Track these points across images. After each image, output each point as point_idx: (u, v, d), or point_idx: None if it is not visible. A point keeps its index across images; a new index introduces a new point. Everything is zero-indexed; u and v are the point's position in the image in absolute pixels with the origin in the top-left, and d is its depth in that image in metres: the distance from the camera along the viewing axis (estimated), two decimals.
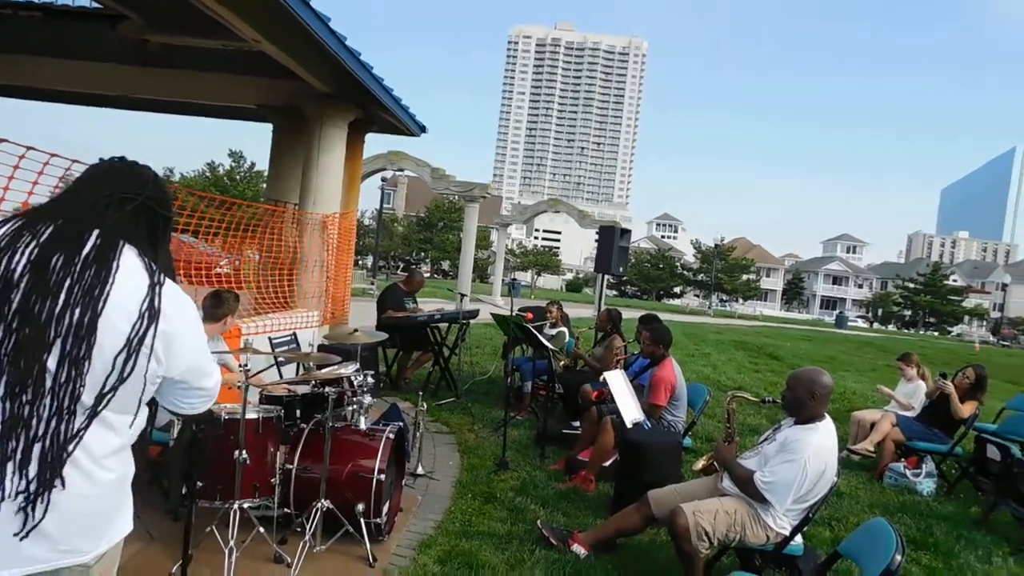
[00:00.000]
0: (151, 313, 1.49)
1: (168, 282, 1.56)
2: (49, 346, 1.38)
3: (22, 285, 1.37)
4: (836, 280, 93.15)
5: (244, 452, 3.23)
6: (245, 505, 3.33)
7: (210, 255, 7.24)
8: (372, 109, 7.92)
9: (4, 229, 1.44)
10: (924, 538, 4.58)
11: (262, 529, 3.40)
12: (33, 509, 1.37)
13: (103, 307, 1.43)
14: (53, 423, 1.38)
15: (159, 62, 7.95)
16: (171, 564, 3.10)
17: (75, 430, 1.42)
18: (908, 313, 72.53)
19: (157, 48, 7.42)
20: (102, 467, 1.47)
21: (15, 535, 1.36)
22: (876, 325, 69.97)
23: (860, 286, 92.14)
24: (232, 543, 3.11)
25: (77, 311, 1.40)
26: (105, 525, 1.52)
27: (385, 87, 7.44)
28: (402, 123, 8.76)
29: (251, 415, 3.38)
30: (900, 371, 6.99)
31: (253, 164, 47.58)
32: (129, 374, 1.46)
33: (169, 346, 1.53)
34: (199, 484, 3.15)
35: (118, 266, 1.47)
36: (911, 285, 70.98)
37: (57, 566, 1.44)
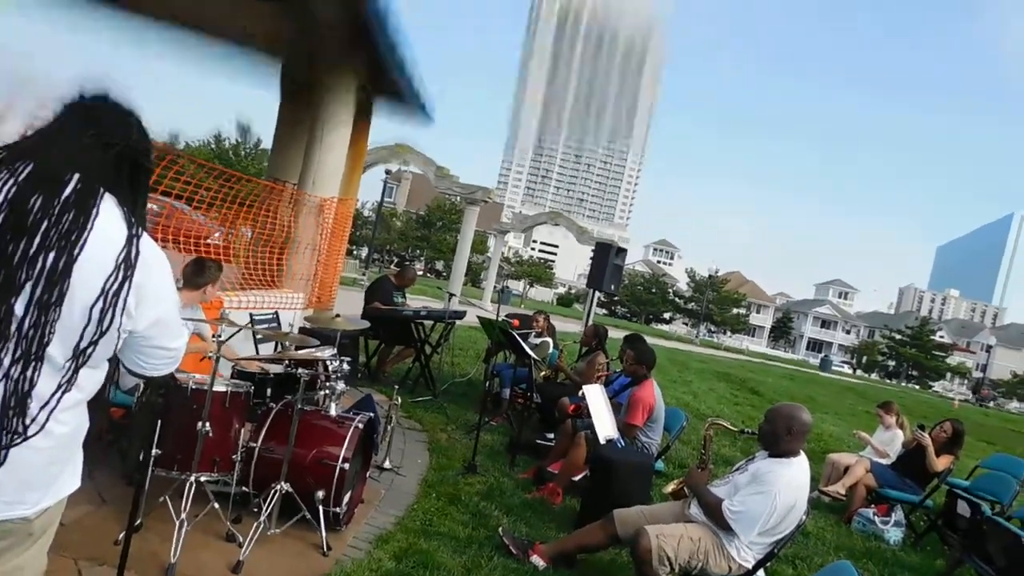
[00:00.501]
0: (127, 264, 1.43)
1: (144, 235, 1.51)
2: (19, 289, 1.32)
3: None
4: (825, 324, 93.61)
5: (208, 424, 3.15)
6: (203, 478, 3.25)
7: (202, 225, 7.16)
8: (379, 72, 7.58)
9: None
10: None
11: (217, 505, 3.31)
12: (2, 458, 1.32)
13: (79, 253, 1.37)
14: (17, 369, 1.32)
15: None
16: (119, 530, 3.01)
17: (54, 383, 1.37)
18: (892, 363, 72.89)
19: None
20: (57, 420, 1.41)
21: None
22: (859, 372, 70.24)
23: (848, 332, 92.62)
24: (184, 516, 3.02)
25: (52, 255, 1.34)
26: (52, 479, 1.47)
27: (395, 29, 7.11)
28: (410, 95, 8.34)
29: (219, 388, 3.31)
30: (880, 418, 6.97)
31: (259, 141, 47.41)
32: (108, 327, 1.41)
33: (141, 299, 1.47)
34: (157, 451, 3.07)
35: (97, 212, 1.42)
36: (898, 336, 71.39)
37: (1, 517, 1.38)
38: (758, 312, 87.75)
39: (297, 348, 4.09)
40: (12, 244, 1.31)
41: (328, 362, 3.86)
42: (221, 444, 3.34)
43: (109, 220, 1.45)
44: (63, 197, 1.38)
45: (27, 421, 1.35)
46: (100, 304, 1.40)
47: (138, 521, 2.98)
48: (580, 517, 4.40)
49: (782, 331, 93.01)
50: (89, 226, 1.40)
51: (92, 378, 1.48)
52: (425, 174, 24.48)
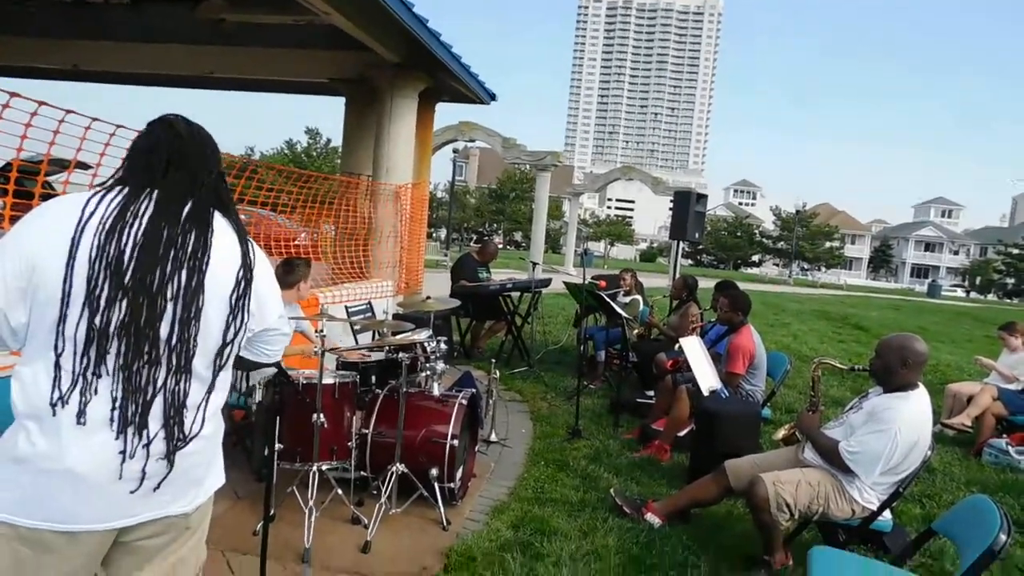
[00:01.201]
0: (247, 270, 1.59)
1: (251, 242, 1.65)
2: (161, 314, 1.46)
3: (132, 262, 1.43)
4: (929, 247, 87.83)
5: (322, 416, 3.32)
6: (323, 467, 3.43)
7: (288, 228, 7.47)
8: (441, 78, 7.91)
9: (107, 206, 1.46)
10: None
11: (340, 491, 3.51)
12: (170, 463, 1.48)
13: (207, 268, 1.52)
14: (172, 382, 1.47)
15: (235, 41, 8.19)
16: (255, 521, 3.24)
17: (202, 390, 1.53)
18: (1011, 281, 67.78)
19: (233, 27, 7.63)
20: (206, 423, 1.56)
21: (132, 492, 1.45)
22: (973, 295, 65.81)
23: (956, 253, 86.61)
24: (311, 503, 3.21)
25: (184, 275, 1.48)
26: (204, 476, 1.62)
27: (454, 54, 7.40)
28: (472, 91, 8.72)
29: (328, 380, 3.46)
30: (1003, 341, 6.51)
31: (329, 140, 48.67)
32: (239, 332, 1.57)
33: (261, 301, 1.65)
34: (280, 447, 3.26)
35: (213, 229, 1.56)
36: (1016, 251, 66.19)
37: (164, 514, 1.54)
38: (853, 243, 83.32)
39: (394, 334, 4.21)
40: (149, 276, 1.45)
41: (426, 344, 3.97)
42: (336, 433, 3.50)
43: (223, 236, 1.58)
44: (182, 222, 1.51)
45: (185, 429, 1.50)
46: (230, 313, 1.55)
47: (271, 512, 3.18)
48: (690, 472, 4.37)
49: (882, 260, 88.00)
50: (210, 244, 1.54)
51: (226, 380, 1.62)
52: (492, 147, 24.50)
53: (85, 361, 1.39)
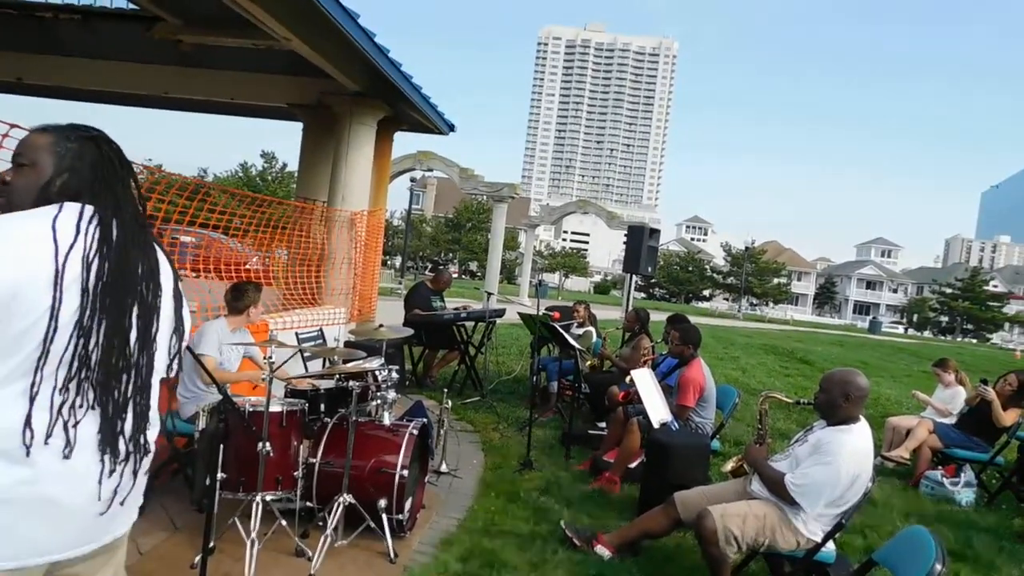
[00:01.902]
0: (179, 289, 1.63)
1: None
2: (133, 334, 1.47)
3: (112, 287, 1.42)
4: (870, 285, 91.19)
5: (268, 445, 3.23)
6: (268, 498, 3.33)
7: (240, 252, 7.32)
8: (401, 107, 7.94)
9: (84, 229, 1.41)
10: (963, 549, 4.41)
11: (284, 522, 3.40)
12: (134, 477, 1.51)
13: (162, 289, 1.55)
14: (139, 397, 1.49)
15: (192, 62, 8.09)
16: (194, 554, 3.12)
17: (154, 405, 1.56)
18: (945, 319, 70.74)
19: (190, 48, 7.53)
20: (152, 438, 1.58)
21: (101, 514, 1.45)
22: (911, 331, 68.36)
23: (895, 291, 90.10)
24: (254, 535, 3.10)
25: (149, 295, 1.51)
26: (141, 494, 1.61)
27: (414, 85, 7.45)
28: (431, 121, 8.77)
29: (275, 408, 3.39)
30: (937, 377, 6.78)
31: (285, 165, 48.16)
32: (180, 346, 1.62)
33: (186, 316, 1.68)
34: (223, 476, 3.15)
35: (153, 247, 1.57)
36: (948, 290, 69.20)
37: (118, 535, 1.54)
38: (799, 280, 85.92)
39: (345, 361, 4.15)
40: (127, 297, 1.46)
41: (377, 372, 3.92)
42: (282, 462, 3.41)
43: (161, 255, 1.59)
44: (143, 245, 1.51)
45: (148, 443, 1.53)
46: (174, 328, 1.60)
47: (211, 544, 3.07)
48: (640, 503, 4.39)
49: (826, 297, 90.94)
50: (159, 264, 1.56)
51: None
52: (450, 177, 24.59)
53: (72, 388, 1.36)
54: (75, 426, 1.37)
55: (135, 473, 1.50)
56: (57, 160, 1.47)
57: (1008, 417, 5.82)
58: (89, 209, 1.44)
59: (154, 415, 1.56)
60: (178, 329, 1.60)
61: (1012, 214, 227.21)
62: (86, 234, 1.40)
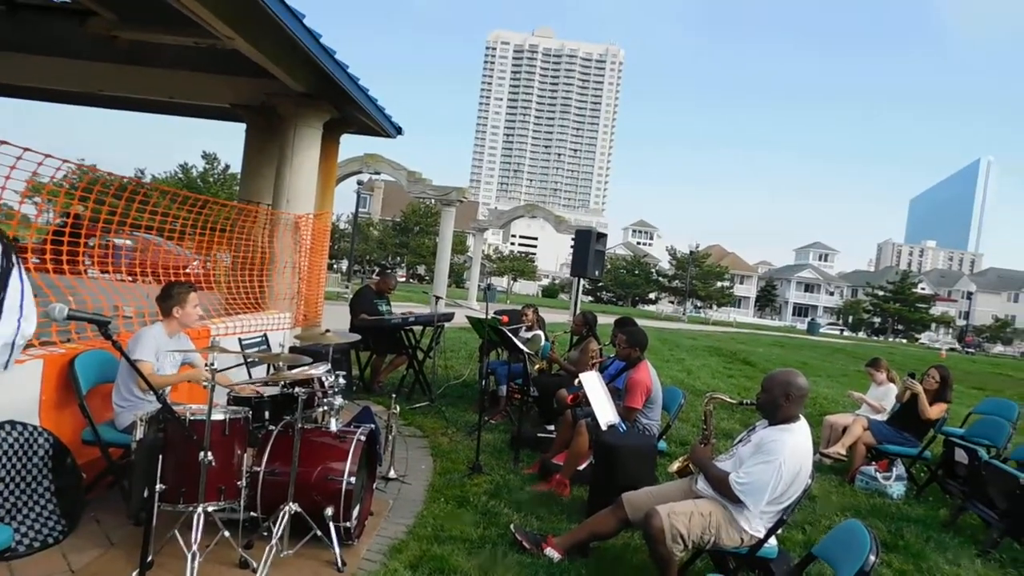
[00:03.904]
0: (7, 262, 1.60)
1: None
2: None
3: None
4: (808, 287, 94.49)
5: (209, 454, 3.13)
6: (210, 508, 3.23)
7: (178, 255, 7.10)
8: (348, 109, 7.83)
9: None
10: (894, 540, 4.61)
11: (227, 533, 3.30)
12: None
13: None
14: None
15: (130, 59, 7.81)
16: (131, 570, 2.99)
17: None
18: (878, 320, 73.83)
19: (127, 45, 7.28)
20: None
21: None
22: (847, 332, 71.05)
23: (831, 294, 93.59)
24: (195, 547, 3.00)
25: None
26: None
27: (361, 87, 7.36)
28: (378, 124, 8.68)
29: (217, 416, 3.28)
30: (870, 376, 7.08)
31: (227, 166, 47.04)
32: None
33: None
34: (162, 487, 3.04)
35: None
36: (880, 293, 72.25)
37: None
38: (742, 283, 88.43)
39: (290, 368, 4.06)
40: None
41: (324, 378, 3.85)
42: (225, 472, 3.31)
43: None
44: None
45: None
46: None
47: (149, 559, 2.96)
48: (589, 505, 4.43)
49: (767, 299, 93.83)
50: None
51: None
52: (397, 180, 24.38)
53: None
54: None
55: None
56: None
57: (934, 411, 6.11)
58: None
59: None
60: None
61: (937, 219, 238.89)
62: None
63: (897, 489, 5.75)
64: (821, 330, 54.26)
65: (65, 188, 4.69)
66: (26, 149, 3.59)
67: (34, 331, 1.59)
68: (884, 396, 6.78)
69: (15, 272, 1.48)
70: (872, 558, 2.39)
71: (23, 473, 3.18)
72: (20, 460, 3.17)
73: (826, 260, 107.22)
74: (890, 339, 65.85)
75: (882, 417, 6.57)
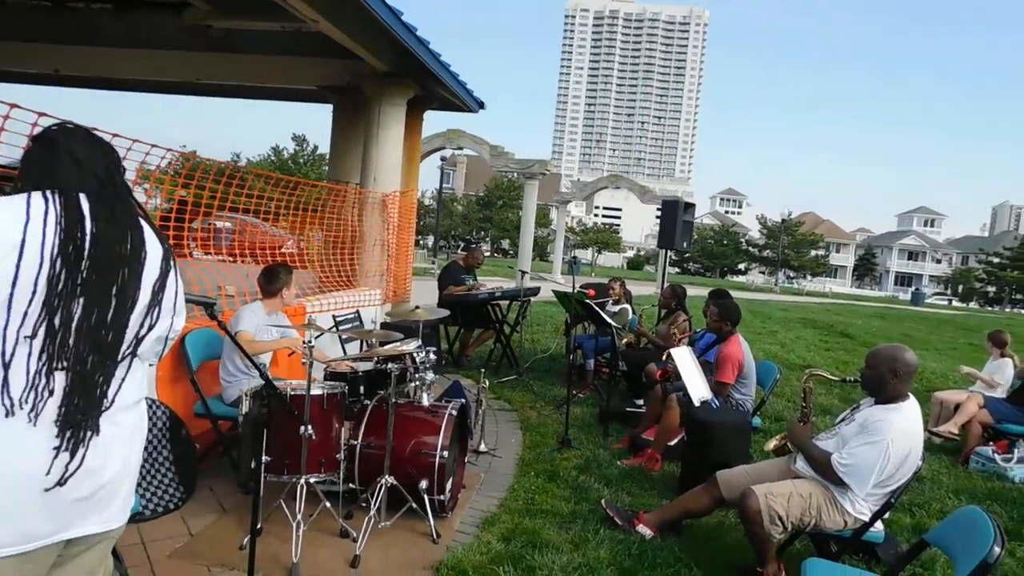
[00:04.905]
0: (167, 267, 1.66)
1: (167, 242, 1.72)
2: (111, 310, 1.52)
3: (88, 261, 1.47)
4: (912, 255, 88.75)
5: (310, 428, 3.26)
6: (311, 480, 3.38)
7: (274, 236, 7.39)
8: (430, 86, 7.88)
9: (54, 207, 1.48)
10: (1018, 528, 4.29)
11: (328, 504, 3.45)
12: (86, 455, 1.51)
13: (144, 266, 1.59)
14: (103, 376, 1.54)
15: (222, 47, 8.12)
16: (242, 535, 3.18)
17: (112, 386, 1.57)
18: (992, 290, 68.67)
19: (220, 33, 7.57)
20: (125, 411, 1.62)
21: (75, 499, 1.50)
22: (956, 303, 66.54)
23: (938, 261, 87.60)
24: (299, 517, 3.15)
25: (127, 272, 1.54)
26: (122, 486, 1.65)
27: (443, 63, 7.38)
28: (460, 99, 8.69)
29: (316, 391, 3.41)
30: (989, 349, 6.60)
31: (316, 147, 48.55)
32: (155, 326, 1.63)
33: (179, 305, 1.73)
34: (267, 459, 3.20)
35: (142, 228, 1.62)
36: (996, 260, 67.06)
37: (104, 528, 1.59)
38: (838, 252, 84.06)
39: (382, 344, 4.17)
40: (105, 272, 1.50)
41: (415, 354, 3.93)
42: (324, 445, 3.45)
43: (150, 235, 1.64)
44: (119, 222, 1.56)
45: (96, 421, 1.54)
46: (154, 308, 1.62)
47: (259, 526, 3.13)
48: (681, 482, 4.36)
49: (866, 269, 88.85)
50: (144, 242, 1.60)
51: (142, 375, 1.69)
52: (480, 155, 24.48)
53: (43, 359, 1.41)
54: (44, 399, 1.41)
55: (84, 459, 1.47)
56: (24, 167, 1.59)
57: None
58: (56, 192, 1.51)
59: (121, 397, 1.54)
60: (152, 309, 1.59)
61: None
62: (56, 211, 1.47)
63: (1019, 472, 5.33)
64: (927, 300, 51.01)
65: (170, 175, 4.95)
66: (135, 140, 3.79)
67: (183, 325, 1.74)
68: (998, 370, 6.30)
69: (172, 274, 1.64)
70: (997, 549, 2.21)
71: (145, 444, 3.42)
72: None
73: (932, 226, 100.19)
74: (1007, 309, 61.18)
75: (1000, 393, 6.11)
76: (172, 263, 1.65)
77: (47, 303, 1.40)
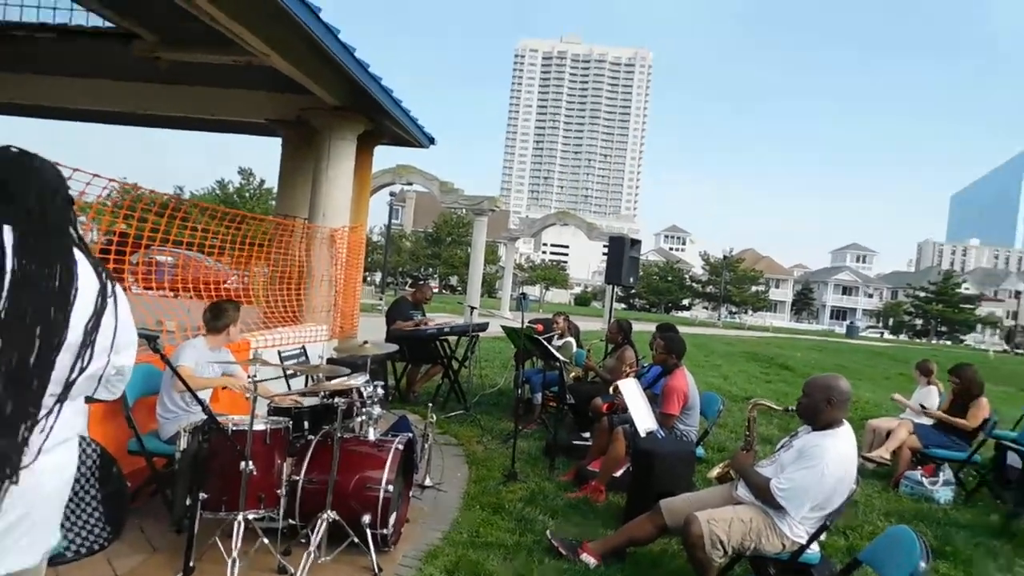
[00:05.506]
0: (103, 302, 1.59)
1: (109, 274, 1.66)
2: (32, 348, 1.44)
3: (7, 299, 1.41)
4: (846, 290, 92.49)
5: (250, 463, 3.20)
6: (250, 516, 3.29)
7: (218, 270, 7.25)
8: (381, 120, 7.95)
9: None
10: (942, 547, 4.47)
11: (266, 540, 3.36)
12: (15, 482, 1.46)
13: (74, 302, 1.51)
14: (29, 413, 1.46)
15: (170, 79, 8.04)
16: (173, 574, 3.06)
17: (48, 423, 1.50)
18: (920, 322, 71.91)
19: (168, 65, 7.50)
20: (51, 452, 1.55)
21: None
22: (888, 335, 69.33)
23: (870, 296, 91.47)
24: (235, 554, 3.06)
25: (53, 309, 1.47)
26: (50, 523, 1.65)
27: (394, 98, 7.47)
28: (411, 135, 8.78)
29: (259, 426, 3.35)
30: (916, 378, 6.94)
31: (263, 181, 47.91)
32: (88, 365, 1.56)
33: (125, 339, 1.70)
34: (204, 495, 3.11)
35: (76, 261, 1.55)
36: (922, 294, 70.42)
37: (21, 566, 1.55)
38: (777, 287, 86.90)
39: (328, 379, 4.13)
40: (26, 308, 1.42)
41: (362, 388, 3.90)
42: (265, 480, 3.37)
43: (84, 268, 1.57)
44: (49, 256, 1.49)
45: (14, 463, 1.46)
46: (85, 346, 1.55)
47: (191, 564, 3.03)
48: (626, 512, 4.40)
49: (804, 303, 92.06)
50: (76, 277, 1.53)
51: (76, 414, 1.65)
52: (430, 191, 24.60)
53: None
54: None
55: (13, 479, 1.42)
56: None
57: (973, 417, 5.91)
58: None
59: (50, 439, 1.49)
60: (84, 350, 1.52)
61: (980, 216, 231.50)
62: None
63: (944, 494, 5.58)
64: (861, 333, 53.05)
65: (110, 207, 4.84)
66: (75, 170, 3.71)
67: (131, 363, 1.69)
68: (925, 397, 6.63)
69: (108, 311, 1.57)
70: (923, 564, 2.32)
71: (72, 483, 3.28)
72: None
73: (864, 261, 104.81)
74: (933, 341, 64.07)
75: (928, 421, 6.40)
76: (109, 300, 1.57)
77: None
